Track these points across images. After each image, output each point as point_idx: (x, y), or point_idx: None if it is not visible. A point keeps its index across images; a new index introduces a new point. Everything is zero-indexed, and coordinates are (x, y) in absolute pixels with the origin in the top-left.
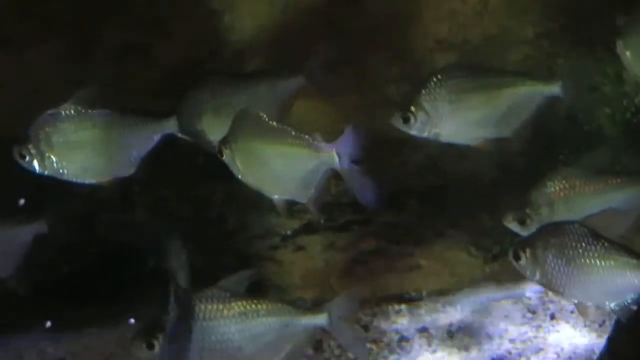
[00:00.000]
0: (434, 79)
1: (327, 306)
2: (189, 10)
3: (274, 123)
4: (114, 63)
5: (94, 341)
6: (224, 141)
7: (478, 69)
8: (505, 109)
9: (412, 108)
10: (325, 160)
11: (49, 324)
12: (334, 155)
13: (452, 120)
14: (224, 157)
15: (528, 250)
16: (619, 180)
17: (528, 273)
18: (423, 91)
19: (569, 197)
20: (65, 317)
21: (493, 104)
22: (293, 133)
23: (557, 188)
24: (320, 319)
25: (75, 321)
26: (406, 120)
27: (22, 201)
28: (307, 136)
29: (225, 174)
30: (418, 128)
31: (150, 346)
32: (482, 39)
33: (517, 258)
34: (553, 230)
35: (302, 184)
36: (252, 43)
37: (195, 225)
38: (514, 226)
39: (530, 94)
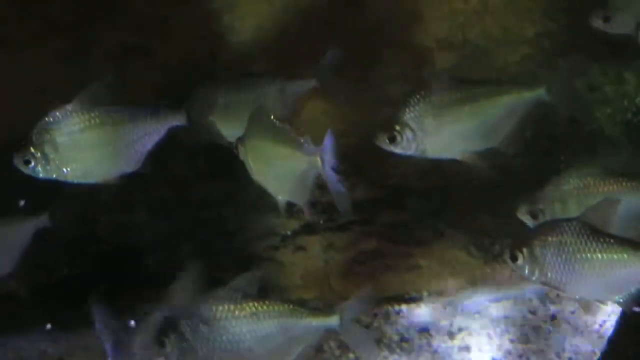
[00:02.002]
0: (417, 95)
1: (338, 308)
2: (189, 10)
3: (277, 123)
4: (114, 63)
5: (94, 341)
6: (240, 139)
7: (461, 81)
8: (491, 120)
9: (397, 127)
10: (312, 163)
11: (48, 324)
12: (318, 158)
13: (438, 136)
14: (239, 155)
15: (525, 250)
16: (633, 183)
17: (526, 272)
18: (406, 109)
19: (582, 196)
20: (65, 318)
21: (479, 116)
22: (289, 134)
23: (572, 186)
24: (331, 321)
25: (74, 321)
26: (392, 140)
27: (22, 203)
28: (301, 138)
29: (225, 174)
30: (404, 146)
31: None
32: (483, 39)
33: (514, 259)
34: (550, 228)
35: (299, 185)
36: (253, 43)
37: (195, 225)
38: (526, 219)
39: (515, 101)
